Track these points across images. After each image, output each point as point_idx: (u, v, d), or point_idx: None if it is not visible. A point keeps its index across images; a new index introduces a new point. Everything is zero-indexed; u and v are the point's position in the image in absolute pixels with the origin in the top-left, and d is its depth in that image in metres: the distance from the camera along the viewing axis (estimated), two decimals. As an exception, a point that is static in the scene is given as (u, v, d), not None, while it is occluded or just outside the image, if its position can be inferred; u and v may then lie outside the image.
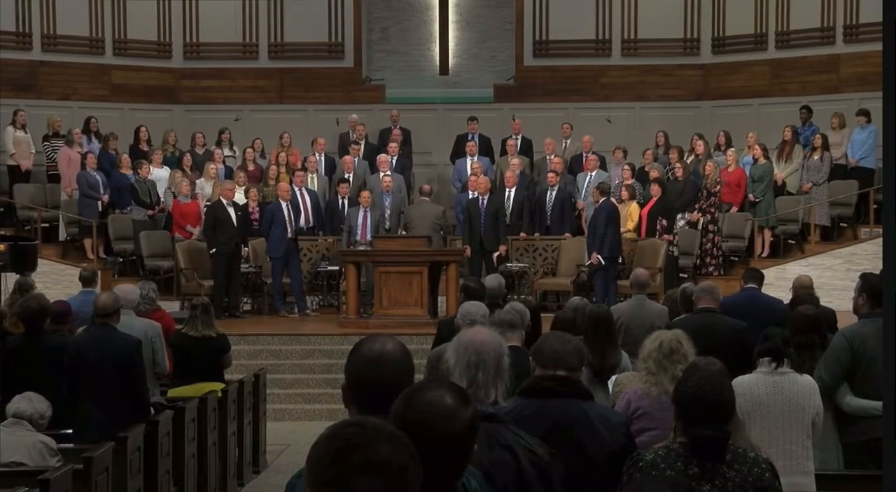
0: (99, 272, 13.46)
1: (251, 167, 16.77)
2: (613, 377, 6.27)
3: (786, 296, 9.64)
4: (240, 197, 15.42)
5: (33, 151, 17.27)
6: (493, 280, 9.07)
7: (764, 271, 9.96)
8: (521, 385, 4.20)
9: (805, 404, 5.68)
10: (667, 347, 5.25)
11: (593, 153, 16.77)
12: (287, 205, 14.92)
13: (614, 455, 4.13)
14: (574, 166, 17.00)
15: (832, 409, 6.41)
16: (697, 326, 7.30)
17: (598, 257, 14.01)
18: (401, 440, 2.12)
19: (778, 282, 13.41)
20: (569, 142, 17.52)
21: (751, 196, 16.17)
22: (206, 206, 15.75)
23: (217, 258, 14.62)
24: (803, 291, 8.95)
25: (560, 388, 4.17)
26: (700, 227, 15.55)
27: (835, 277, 14.87)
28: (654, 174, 15.74)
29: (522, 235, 15.66)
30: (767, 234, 16.37)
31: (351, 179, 16.38)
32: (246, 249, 15.03)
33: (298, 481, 2.86)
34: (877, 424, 5.87)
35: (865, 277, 6.78)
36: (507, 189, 15.77)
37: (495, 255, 15.04)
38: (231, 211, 14.74)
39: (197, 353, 9.10)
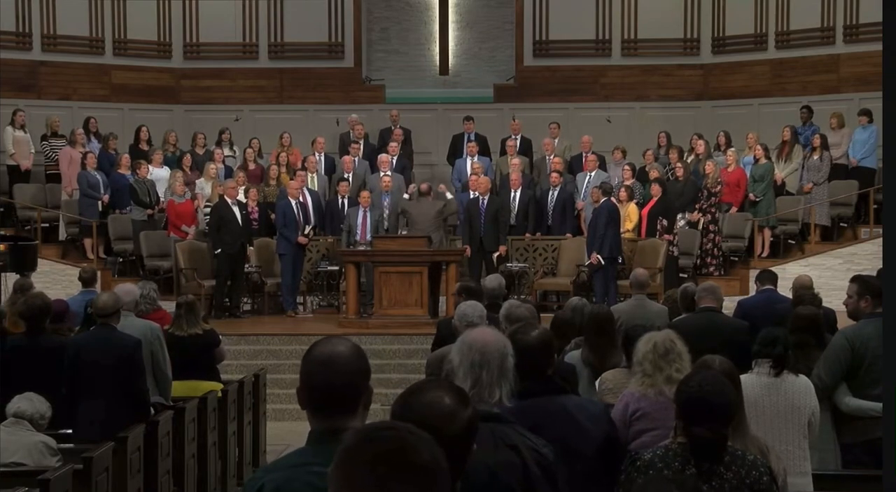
0: (99, 272, 13.46)
1: (251, 167, 16.77)
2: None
3: (786, 296, 9.64)
4: (239, 197, 15.41)
5: (33, 150, 17.27)
6: (493, 280, 9.07)
7: (776, 273, 9.95)
8: None
9: (801, 404, 5.68)
10: (661, 348, 5.25)
11: (593, 153, 16.77)
12: (297, 203, 14.97)
13: (600, 443, 4.18)
14: (574, 166, 17.00)
15: (830, 409, 6.41)
16: (698, 325, 7.32)
17: (597, 257, 14.01)
18: (434, 444, 2.12)
19: (778, 282, 13.41)
20: (557, 141, 17.48)
21: (751, 196, 16.17)
22: (206, 206, 15.77)
23: (221, 258, 14.62)
24: (805, 292, 8.95)
25: (534, 387, 4.17)
26: (700, 227, 15.55)
27: (835, 277, 14.84)
28: (654, 174, 15.74)
29: (527, 235, 15.65)
30: (767, 233, 16.38)
31: (351, 178, 16.39)
32: (251, 248, 15.03)
33: (266, 475, 2.83)
34: (875, 424, 5.88)
35: (863, 280, 6.77)
36: (513, 190, 15.75)
37: (495, 255, 15.04)
38: (236, 211, 14.76)
39: (186, 351, 9.08)
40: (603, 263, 14.00)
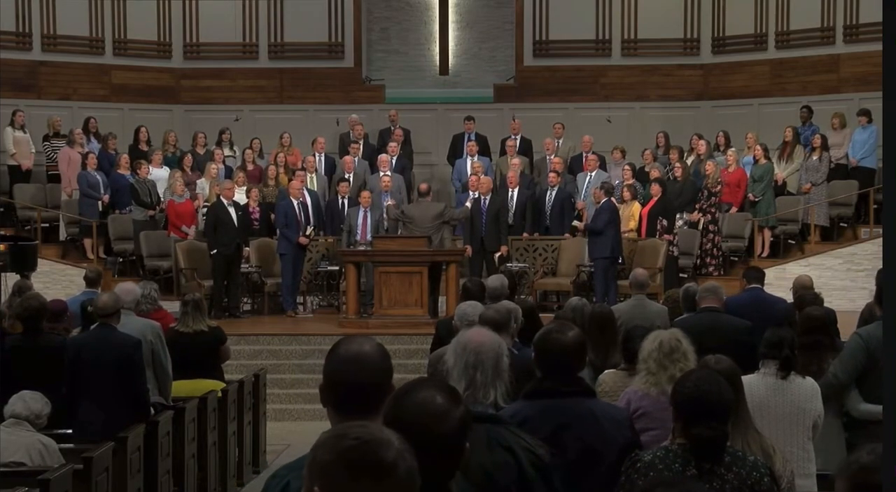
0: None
1: (251, 167, 16.77)
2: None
3: (786, 296, 9.63)
4: (240, 197, 15.43)
5: (33, 150, 17.27)
6: (495, 280, 9.05)
7: (764, 271, 9.94)
8: (525, 388, 4.21)
9: (807, 406, 5.66)
10: (667, 347, 5.24)
11: (593, 153, 16.77)
12: (298, 203, 14.98)
13: (621, 450, 4.18)
14: (574, 166, 17.01)
15: (838, 411, 6.39)
16: (701, 325, 7.30)
17: (581, 225, 14.61)
18: (405, 445, 2.16)
19: (778, 282, 13.42)
20: (560, 142, 17.48)
21: (751, 196, 16.18)
22: (204, 206, 15.77)
23: (217, 259, 14.62)
24: (806, 292, 8.93)
25: (563, 387, 4.18)
26: (700, 227, 15.55)
27: (835, 277, 14.87)
28: (654, 174, 15.74)
29: (525, 235, 15.65)
30: (767, 234, 16.38)
31: (351, 179, 16.39)
32: (247, 249, 15.04)
33: (290, 474, 2.83)
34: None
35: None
36: (510, 189, 15.77)
37: (496, 255, 15.04)
38: (232, 211, 14.75)
39: (191, 348, 9.08)
40: (584, 230, 14.52)
